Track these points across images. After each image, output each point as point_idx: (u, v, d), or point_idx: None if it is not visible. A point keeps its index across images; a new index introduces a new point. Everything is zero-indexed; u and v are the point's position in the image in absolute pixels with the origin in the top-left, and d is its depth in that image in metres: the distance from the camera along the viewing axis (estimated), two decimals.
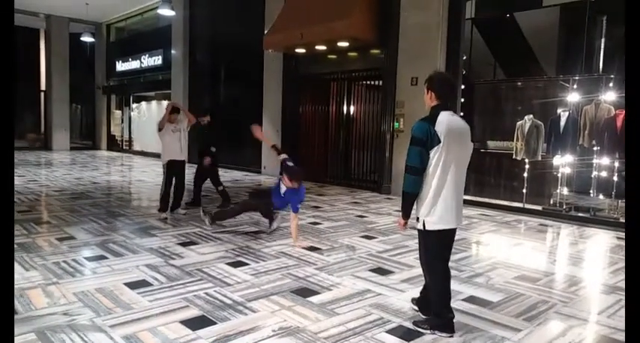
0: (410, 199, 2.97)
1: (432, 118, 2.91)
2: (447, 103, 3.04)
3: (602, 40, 8.42)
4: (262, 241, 5.35)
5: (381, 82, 9.68)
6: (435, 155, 2.85)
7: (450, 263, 4.56)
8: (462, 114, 8.44)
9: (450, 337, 3.03)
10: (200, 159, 7.36)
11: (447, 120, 2.89)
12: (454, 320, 3.08)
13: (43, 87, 19.52)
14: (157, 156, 17.04)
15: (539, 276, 4.39)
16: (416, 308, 3.36)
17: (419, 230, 3.07)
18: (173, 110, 6.74)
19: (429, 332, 3.07)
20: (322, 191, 9.64)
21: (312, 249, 5.09)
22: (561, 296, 3.89)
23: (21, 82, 19.11)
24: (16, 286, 3.67)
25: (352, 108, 10.80)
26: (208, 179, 7.40)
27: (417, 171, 2.90)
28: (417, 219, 3.03)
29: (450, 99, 3.11)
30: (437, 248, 3.06)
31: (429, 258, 3.12)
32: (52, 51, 18.67)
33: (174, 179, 6.65)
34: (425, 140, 2.85)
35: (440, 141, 2.83)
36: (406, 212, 3.02)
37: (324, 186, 10.31)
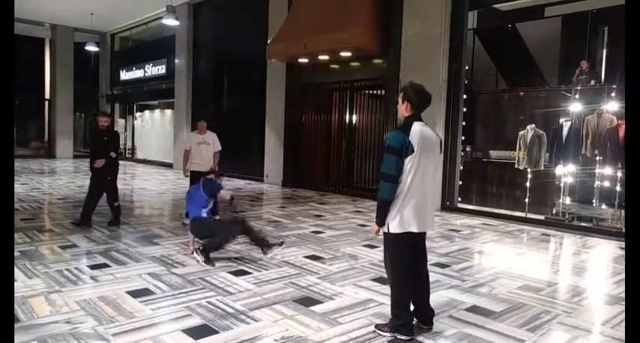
0: (386, 206, 3.08)
1: (406, 128, 3.05)
2: (420, 114, 3.16)
3: (604, 50, 8.46)
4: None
5: (383, 92, 9.71)
6: (409, 163, 3.00)
7: (453, 273, 4.63)
8: (463, 123, 8.48)
9: (409, 340, 3.09)
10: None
11: (419, 131, 3.04)
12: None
13: (47, 95, 19.63)
14: (159, 164, 17.14)
15: (542, 286, 4.37)
16: (415, 320, 3.33)
17: (384, 233, 3.15)
18: (198, 119, 7.10)
19: (389, 335, 3.13)
20: (324, 200, 9.64)
21: (314, 258, 5.09)
22: (564, 306, 3.88)
23: (26, 91, 19.24)
24: (18, 294, 3.68)
25: (354, 118, 10.84)
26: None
27: (393, 179, 3.03)
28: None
29: (422, 109, 3.20)
30: (401, 250, 3.13)
31: (392, 261, 3.18)
32: (57, 60, 18.81)
33: None
34: (400, 149, 2.99)
35: (414, 150, 2.98)
36: (381, 218, 3.10)
37: (326, 195, 10.31)
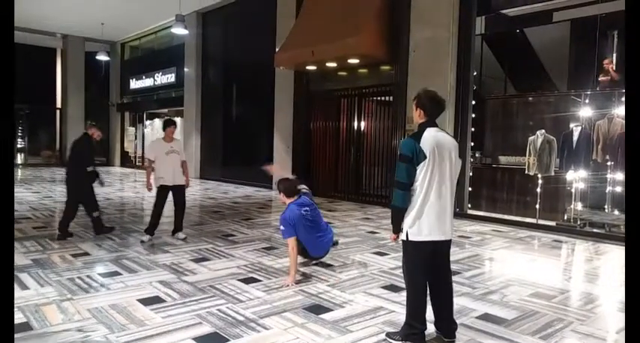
0: (399, 213, 3.05)
1: (418, 135, 3.02)
2: (434, 120, 3.12)
3: (614, 55, 8.40)
4: (274, 257, 5.36)
5: (391, 98, 9.72)
6: (422, 170, 2.96)
7: (464, 280, 4.60)
8: (472, 129, 8.45)
9: None
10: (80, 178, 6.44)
11: (432, 137, 2.99)
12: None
13: (58, 104, 19.91)
14: None
15: (555, 293, 4.33)
16: (438, 331, 3.27)
17: (402, 240, 3.11)
18: (168, 123, 6.12)
19: None
20: (333, 206, 9.63)
21: (324, 265, 5.08)
22: (577, 314, 3.83)
23: (37, 100, 19.55)
24: (30, 302, 3.72)
25: (363, 124, 10.85)
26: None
27: (405, 187, 2.99)
28: (401, 229, 3.08)
29: (436, 116, 3.15)
30: (417, 259, 3.08)
31: (409, 269, 3.14)
32: (68, 69, 19.10)
33: (164, 205, 6.26)
34: (411, 156, 2.95)
35: (425, 157, 2.94)
36: (396, 226, 3.09)
37: (334, 202, 10.31)
